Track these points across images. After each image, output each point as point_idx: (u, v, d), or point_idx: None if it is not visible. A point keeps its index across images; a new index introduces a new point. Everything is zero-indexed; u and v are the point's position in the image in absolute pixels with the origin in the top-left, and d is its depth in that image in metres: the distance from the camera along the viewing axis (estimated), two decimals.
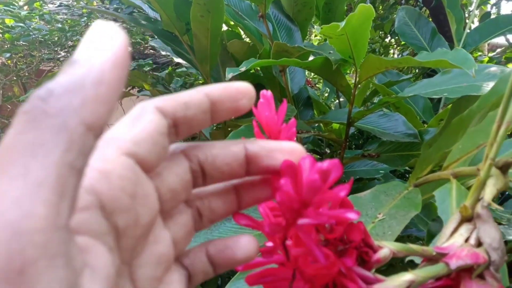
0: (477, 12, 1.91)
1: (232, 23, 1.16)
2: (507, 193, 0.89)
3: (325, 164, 0.16)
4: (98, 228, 0.15)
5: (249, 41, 1.05)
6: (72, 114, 0.12)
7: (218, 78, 1.03)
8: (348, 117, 0.77)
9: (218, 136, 1.05)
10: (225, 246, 0.20)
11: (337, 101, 1.24)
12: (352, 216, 0.16)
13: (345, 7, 1.07)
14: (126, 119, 0.17)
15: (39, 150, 0.12)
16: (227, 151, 0.19)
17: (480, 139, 0.38)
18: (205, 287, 1.09)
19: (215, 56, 0.91)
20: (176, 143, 0.20)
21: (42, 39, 1.76)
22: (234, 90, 0.19)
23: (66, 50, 1.96)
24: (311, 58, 0.87)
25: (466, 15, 1.53)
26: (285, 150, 0.19)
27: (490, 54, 2.01)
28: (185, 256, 0.21)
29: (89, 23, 1.93)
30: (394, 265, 0.64)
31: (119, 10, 1.45)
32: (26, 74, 1.89)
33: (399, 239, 0.35)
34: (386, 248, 0.18)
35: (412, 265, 0.22)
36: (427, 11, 1.62)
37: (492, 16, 1.62)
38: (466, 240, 0.20)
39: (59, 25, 1.83)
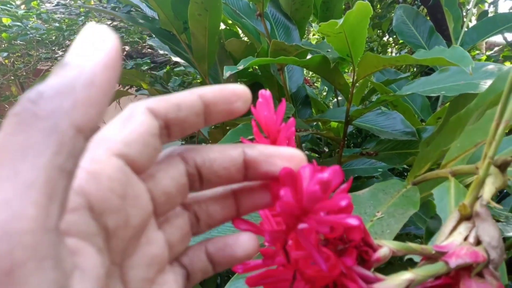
0: (474, 10, 1.92)
1: (230, 21, 1.16)
2: (505, 191, 0.89)
3: (326, 174, 0.15)
4: (87, 229, 0.15)
5: (247, 40, 1.05)
6: (63, 116, 0.12)
7: (216, 77, 1.03)
8: (346, 116, 0.77)
9: (216, 135, 1.05)
10: (224, 244, 0.20)
11: (335, 99, 1.24)
12: (353, 222, 0.16)
13: (343, 6, 1.07)
14: (117, 120, 0.17)
15: (29, 152, 0.12)
16: (225, 155, 0.19)
17: (478, 137, 0.38)
18: (205, 286, 1.09)
19: (213, 55, 0.91)
20: (174, 146, 0.20)
21: (40, 38, 1.75)
22: (229, 92, 0.19)
23: (63, 49, 1.96)
24: (309, 56, 0.87)
25: (464, 13, 1.54)
26: (285, 156, 0.19)
27: (488, 53, 2.01)
28: (184, 255, 0.20)
29: (86, 22, 1.92)
30: (393, 263, 0.64)
31: (116, 9, 1.44)
32: (24, 73, 1.88)
33: (398, 237, 0.35)
34: (386, 247, 0.18)
35: (411, 264, 0.22)
36: (425, 10, 1.62)
37: (490, 15, 1.62)
38: (465, 239, 0.20)
39: (57, 24, 1.83)
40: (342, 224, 0.16)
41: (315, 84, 2.16)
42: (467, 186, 0.37)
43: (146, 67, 1.51)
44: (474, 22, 1.80)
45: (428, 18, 1.29)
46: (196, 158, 0.19)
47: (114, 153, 0.16)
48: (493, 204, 0.22)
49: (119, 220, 0.16)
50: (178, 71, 1.47)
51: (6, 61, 1.86)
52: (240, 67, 0.62)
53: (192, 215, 0.20)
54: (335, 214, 0.16)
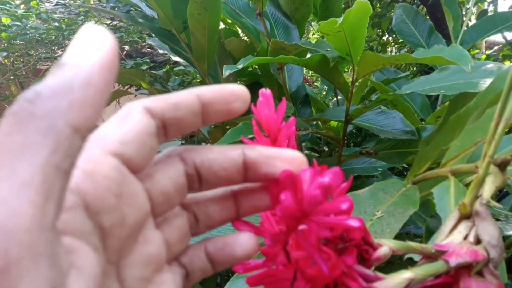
0: (474, 9, 1.92)
1: (229, 21, 1.15)
2: (505, 190, 0.89)
3: (327, 178, 0.15)
4: (83, 228, 0.15)
5: (247, 39, 1.05)
6: (59, 116, 0.13)
7: (216, 76, 1.03)
8: (346, 115, 0.77)
9: (216, 135, 1.05)
10: (224, 243, 0.20)
11: (335, 99, 1.24)
12: (353, 223, 0.16)
13: (342, 5, 1.07)
14: (114, 119, 0.17)
15: (26, 152, 0.12)
16: (224, 156, 0.19)
17: (478, 137, 0.38)
18: (205, 285, 1.09)
19: (212, 54, 0.91)
20: (173, 146, 0.20)
21: (39, 38, 1.75)
22: (227, 92, 0.19)
23: (63, 49, 1.96)
24: (308, 55, 0.87)
25: (463, 12, 1.54)
26: (285, 158, 0.19)
27: (488, 52, 2.01)
28: (183, 254, 0.20)
29: (86, 22, 1.92)
30: (393, 263, 0.64)
31: (116, 9, 1.44)
32: (23, 73, 1.88)
33: (398, 236, 0.35)
34: (386, 246, 0.18)
35: (410, 263, 0.22)
36: (425, 9, 1.62)
37: (489, 14, 1.62)
38: (465, 238, 0.20)
39: (56, 24, 1.82)
40: (342, 226, 0.16)
41: (315, 83, 2.16)
42: (467, 185, 0.37)
43: (146, 67, 1.52)
44: (473, 21, 1.80)
45: (427, 17, 1.29)
46: (195, 159, 0.19)
47: (110, 152, 0.16)
48: (493, 203, 0.22)
49: (114, 219, 0.16)
50: (178, 70, 1.47)
51: (6, 60, 1.86)
52: (240, 66, 0.62)
53: (191, 216, 0.20)
54: (335, 215, 0.16)
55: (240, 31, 1.19)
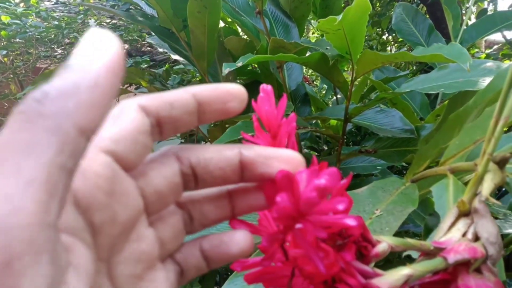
0: (474, 8, 1.92)
1: (229, 19, 1.15)
2: (504, 188, 0.90)
3: (323, 180, 0.15)
4: (74, 224, 0.15)
5: (247, 38, 1.05)
6: (66, 117, 0.13)
7: (215, 74, 1.03)
8: (345, 113, 0.77)
9: (216, 133, 1.05)
10: (220, 241, 0.20)
11: (335, 98, 1.24)
12: (351, 222, 0.16)
13: (342, 4, 1.07)
14: (108, 116, 0.17)
15: (33, 150, 0.12)
16: (221, 155, 0.19)
17: (477, 135, 0.38)
18: (204, 283, 1.09)
19: (212, 53, 0.91)
20: (169, 145, 0.20)
21: (39, 37, 1.75)
22: (223, 92, 0.19)
23: (62, 47, 1.96)
24: (308, 54, 0.87)
25: (463, 11, 1.54)
26: (282, 158, 0.19)
27: (487, 51, 2.01)
28: (178, 251, 0.20)
29: (85, 20, 1.92)
30: (391, 261, 0.65)
31: (115, 7, 1.44)
32: (23, 71, 1.88)
33: (397, 234, 0.35)
34: (384, 243, 0.18)
35: (409, 261, 0.22)
36: (424, 8, 1.62)
37: (489, 13, 1.62)
38: (464, 235, 0.20)
39: (56, 22, 1.82)
40: (340, 225, 0.16)
41: (315, 82, 2.16)
42: (466, 183, 0.37)
43: (145, 65, 1.51)
44: (473, 20, 1.80)
45: (427, 16, 1.29)
46: (191, 158, 0.19)
47: (102, 149, 0.16)
48: (492, 200, 0.22)
49: (105, 216, 0.16)
50: (178, 69, 1.48)
51: (5, 59, 1.86)
52: (239, 64, 0.62)
53: (186, 214, 0.20)
54: (333, 213, 0.16)
55: (239, 29, 1.19)
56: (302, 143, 1.10)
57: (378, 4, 1.97)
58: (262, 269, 0.18)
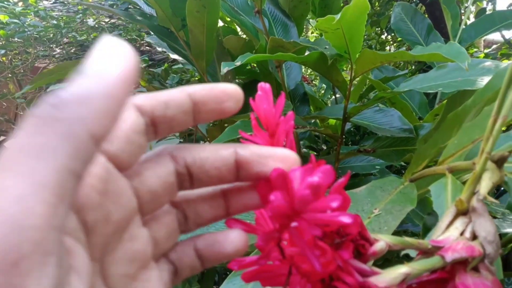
0: (473, 8, 1.92)
1: (228, 19, 1.15)
2: (502, 188, 0.90)
3: (316, 177, 0.15)
4: (69, 223, 0.15)
5: (245, 37, 1.05)
6: (80, 123, 0.13)
7: (214, 74, 1.03)
8: (344, 113, 0.77)
9: (214, 133, 1.05)
10: (214, 240, 0.20)
11: (334, 97, 1.24)
12: (346, 220, 0.16)
13: (341, 4, 1.07)
14: None
15: (46, 154, 0.12)
16: (216, 155, 0.19)
17: (476, 134, 0.39)
18: (203, 283, 1.09)
19: (211, 52, 0.91)
20: (165, 144, 0.20)
21: (37, 36, 1.75)
22: (219, 92, 0.19)
23: (61, 47, 1.96)
24: (307, 53, 0.87)
25: (462, 11, 1.54)
26: (278, 157, 0.19)
27: (486, 51, 2.02)
28: (172, 250, 0.20)
29: (84, 20, 1.92)
30: (390, 260, 0.65)
31: (114, 6, 1.44)
32: (21, 71, 1.88)
33: (395, 234, 0.35)
34: (382, 241, 0.18)
35: (407, 260, 0.22)
36: (423, 8, 1.62)
37: (488, 12, 1.62)
38: (462, 234, 0.20)
39: (54, 22, 1.82)
40: (335, 223, 0.16)
41: (314, 82, 2.16)
42: (465, 183, 0.37)
43: (144, 65, 1.51)
44: (472, 19, 1.80)
45: (426, 15, 1.29)
46: (187, 157, 0.19)
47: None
48: (490, 199, 0.22)
49: (98, 215, 0.16)
50: (177, 68, 1.48)
51: (4, 58, 1.86)
52: (238, 63, 0.62)
53: (180, 213, 0.20)
54: (331, 211, 0.16)
55: (238, 29, 1.19)
56: (301, 142, 1.10)
57: (377, 3, 1.97)
58: (259, 268, 0.18)
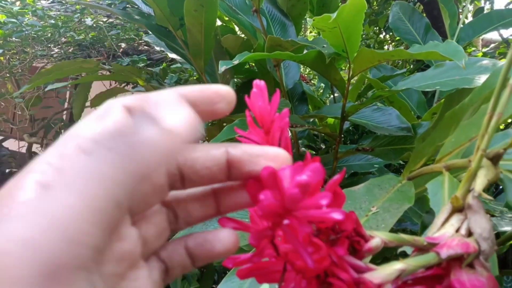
0: (470, 7, 1.92)
1: (226, 18, 1.15)
2: (501, 186, 0.90)
3: (305, 176, 0.15)
4: None
5: (244, 36, 1.05)
6: (142, 161, 0.15)
7: (212, 73, 1.03)
8: (342, 111, 0.77)
9: (213, 132, 1.05)
10: (204, 239, 0.20)
11: (332, 96, 1.24)
12: (337, 216, 0.16)
13: (339, 3, 1.07)
14: (92, 116, 0.17)
15: (103, 181, 0.14)
16: (207, 154, 0.19)
17: (473, 132, 0.39)
18: (202, 282, 1.09)
19: (209, 51, 0.91)
20: None
21: (35, 35, 1.75)
22: (211, 93, 0.19)
23: (59, 46, 1.95)
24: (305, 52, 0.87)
25: (460, 10, 1.54)
26: (269, 155, 0.19)
27: (484, 50, 2.02)
28: (163, 249, 0.20)
29: (82, 19, 1.92)
30: (389, 258, 0.65)
31: (112, 6, 1.44)
32: (20, 70, 1.88)
33: (394, 233, 0.35)
34: (378, 238, 0.18)
35: (406, 258, 0.22)
36: (421, 7, 1.62)
37: (486, 11, 1.62)
38: (457, 230, 0.20)
39: (52, 21, 1.82)
40: (326, 219, 0.16)
41: (312, 81, 2.16)
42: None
43: (143, 64, 1.51)
44: (470, 18, 1.81)
45: (424, 14, 1.29)
46: (178, 158, 0.19)
47: (84, 150, 0.16)
48: (485, 195, 0.22)
49: None
50: (175, 68, 1.47)
51: (2, 58, 1.86)
52: (235, 61, 0.62)
53: (170, 213, 0.20)
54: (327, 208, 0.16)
55: (237, 28, 1.19)
56: (300, 141, 1.10)
57: (375, 2, 1.97)
58: (254, 265, 0.18)
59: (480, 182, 0.22)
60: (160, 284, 0.20)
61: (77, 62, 1.09)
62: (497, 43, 1.94)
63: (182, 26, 0.92)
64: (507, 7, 1.84)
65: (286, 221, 0.16)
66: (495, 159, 0.24)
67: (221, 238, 0.20)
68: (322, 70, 0.77)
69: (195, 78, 1.38)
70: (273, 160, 0.19)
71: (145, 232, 0.19)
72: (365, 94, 1.16)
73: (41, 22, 1.77)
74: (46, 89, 1.42)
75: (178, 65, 1.43)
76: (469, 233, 0.20)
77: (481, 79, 0.55)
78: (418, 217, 0.67)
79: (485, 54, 1.73)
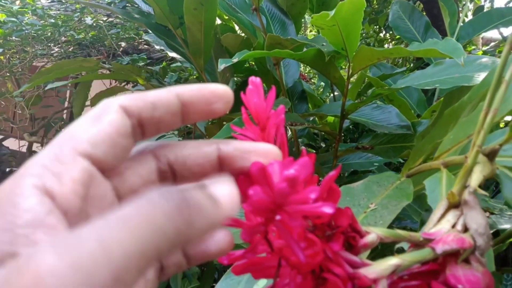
0: (470, 5, 1.92)
1: (226, 17, 1.15)
2: None
3: (292, 170, 0.15)
4: (62, 225, 0.15)
5: (243, 35, 1.05)
6: (187, 224, 0.14)
7: (212, 72, 1.03)
8: (342, 110, 0.77)
9: (213, 130, 1.05)
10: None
11: (332, 95, 1.24)
12: (327, 210, 0.16)
13: (339, 1, 1.07)
14: (87, 117, 0.17)
15: (148, 231, 0.13)
16: (199, 151, 0.19)
17: (471, 129, 0.39)
18: (202, 280, 1.09)
19: (208, 50, 0.91)
20: (147, 142, 0.20)
21: (35, 35, 1.75)
22: (208, 93, 0.19)
23: (59, 45, 1.95)
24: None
25: (460, 8, 1.54)
26: (260, 152, 0.19)
27: (484, 48, 2.01)
28: None
29: (82, 18, 1.92)
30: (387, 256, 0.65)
31: (112, 5, 1.44)
32: (20, 69, 1.88)
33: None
34: (373, 233, 0.19)
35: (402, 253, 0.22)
36: (421, 5, 1.62)
37: (486, 10, 1.62)
38: (453, 226, 0.21)
39: (52, 20, 1.82)
40: (316, 213, 0.16)
41: (312, 80, 2.16)
42: None
43: (142, 63, 1.51)
44: (470, 17, 1.80)
45: (424, 13, 1.29)
46: (169, 155, 0.19)
47: (80, 153, 0.16)
48: (480, 191, 0.22)
49: (78, 220, 0.16)
50: (175, 67, 1.48)
51: (2, 57, 1.86)
52: (235, 60, 0.62)
53: None
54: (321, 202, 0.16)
55: (236, 27, 1.19)
56: (300, 140, 1.10)
57: (375, 1, 1.97)
58: (249, 261, 0.18)
59: (476, 178, 0.22)
60: (155, 282, 0.20)
61: (77, 61, 1.09)
62: (497, 42, 1.94)
63: (181, 24, 0.92)
64: (507, 5, 1.84)
65: (278, 217, 0.16)
66: (491, 155, 0.24)
67: (216, 238, 0.20)
68: (321, 68, 0.77)
69: (195, 77, 1.39)
70: (264, 156, 0.19)
71: None
72: (365, 92, 1.16)
73: (41, 21, 1.77)
74: (46, 88, 1.42)
75: (178, 64, 1.43)
76: (465, 229, 0.20)
77: (480, 76, 0.55)
78: (418, 215, 0.67)
79: (485, 53, 1.73)
